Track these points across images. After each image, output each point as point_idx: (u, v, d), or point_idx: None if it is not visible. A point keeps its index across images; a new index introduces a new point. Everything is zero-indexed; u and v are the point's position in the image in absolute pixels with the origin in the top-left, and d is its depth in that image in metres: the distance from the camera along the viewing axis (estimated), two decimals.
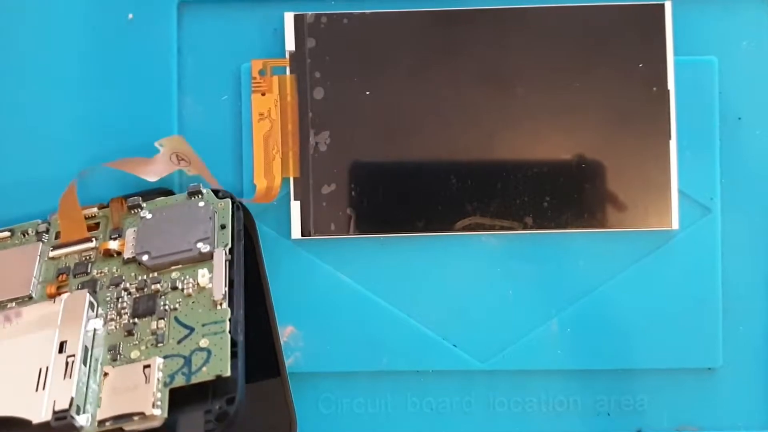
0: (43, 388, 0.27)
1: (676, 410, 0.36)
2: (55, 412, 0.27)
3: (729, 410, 0.36)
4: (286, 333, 0.36)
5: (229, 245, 0.32)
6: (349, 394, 0.37)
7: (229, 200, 0.33)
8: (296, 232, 0.36)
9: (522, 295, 0.36)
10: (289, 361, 0.36)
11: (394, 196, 0.36)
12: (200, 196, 0.34)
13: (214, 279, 0.31)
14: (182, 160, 0.35)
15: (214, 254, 0.31)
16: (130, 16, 0.37)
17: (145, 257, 0.32)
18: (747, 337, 0.36)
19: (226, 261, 0.31)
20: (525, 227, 0.36)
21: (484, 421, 0.37)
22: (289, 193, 0.36)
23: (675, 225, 0.36)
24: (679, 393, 0.36)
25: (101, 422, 0.27)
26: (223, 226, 0.32)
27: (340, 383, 0.37)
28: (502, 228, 0.36)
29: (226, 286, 0.30)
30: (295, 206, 0.36)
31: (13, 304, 0.32)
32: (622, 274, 0.36)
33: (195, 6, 0.37)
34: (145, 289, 0.31)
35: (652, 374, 0.36)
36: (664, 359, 0.36)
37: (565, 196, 0.36)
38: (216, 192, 0.34)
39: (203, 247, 0.31)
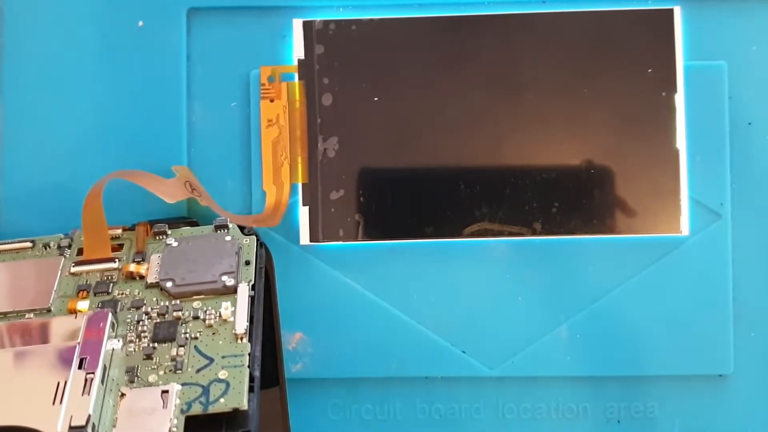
0: (60, 402, 0.27)
1: (686, 417, 0.36)
2: (71, 427, 0.27)
3: (740, 417, 0.36)
4: (294, 339, 0.36)
5: (253, 281, 0.32)
6: (358, 400, 0.37)
7: (254, 237, 0.34)
8: (305, 238, 0.36)
9: (531, 301, 0.36)
10: (298, 367, 0.36)
11: (402, 202, 0.36)
12: (226, 230, 0.34)
13: (236, 313, 0.31)
14: (194, 189, 0.35)
15: (239, 288, 0.31)
16: (140, 23, 0.37)
17: (169, 284, 0.32)
18: (758, 344, 0.36)
19: (249, 296, 0.31)
20: (534, 233, 0.36)
21: (493, 427, 0.36)
22: (297, 199, 0.36)
23: (685, 231, 0.35)
24: (690, 400, 0.36)
25: None
26: (247, 263, 0.33)
27: (349, 389, 0.37)
28: (511, 234, 0.36)
29: (248, 321, 0.30)
30: (304, 212, 0.36)
31: (31, 315, 0.32)
32: (632, 280, 0.36)
33: (204, 13, 0.37)
34: (167, 315, 0.31)
35: (662, 381, 0.36)
36: (674, 366, 0.36)
37: (574, 201, 0.35)
38: (241, 228, 0.34)
39: (228, 281, 0.31)
